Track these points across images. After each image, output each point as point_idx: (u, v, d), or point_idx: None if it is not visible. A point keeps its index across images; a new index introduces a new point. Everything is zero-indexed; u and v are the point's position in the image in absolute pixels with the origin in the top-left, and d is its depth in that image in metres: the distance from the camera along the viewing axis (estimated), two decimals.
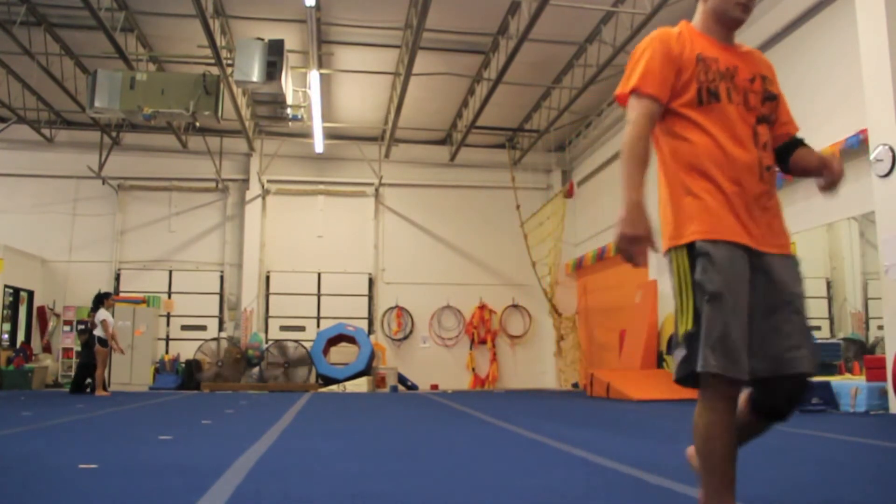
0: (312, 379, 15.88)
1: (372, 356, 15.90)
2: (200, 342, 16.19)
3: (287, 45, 11.71)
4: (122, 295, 16.36)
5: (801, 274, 2.21)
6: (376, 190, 17.92)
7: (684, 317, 2.09)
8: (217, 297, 17.30)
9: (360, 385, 15.06)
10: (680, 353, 2.12)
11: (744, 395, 2.22)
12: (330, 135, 16.84)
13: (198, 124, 13.03)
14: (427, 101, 15.27)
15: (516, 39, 11.41)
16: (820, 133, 9.07)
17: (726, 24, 2.26)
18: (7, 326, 15.75)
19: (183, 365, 15.81)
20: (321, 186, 17.93)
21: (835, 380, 8.30)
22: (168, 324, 17.14)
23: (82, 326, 14.01)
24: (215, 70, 12.09)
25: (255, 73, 11.17)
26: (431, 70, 13.44)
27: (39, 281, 16.51)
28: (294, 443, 5.16)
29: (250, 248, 17.30)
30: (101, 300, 12.33)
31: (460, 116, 16.30)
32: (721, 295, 2.02)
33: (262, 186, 17.54)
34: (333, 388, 15.00)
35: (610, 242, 15.24)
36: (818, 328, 11.04)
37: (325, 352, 15.92)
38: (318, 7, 10.73)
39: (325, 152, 16.91)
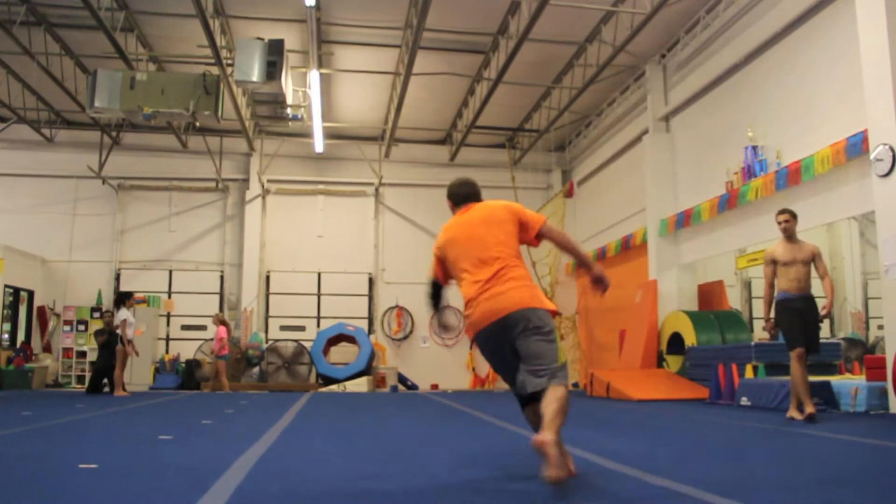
0: (312, 379, 15.89)
1: (372, 356, 15.91)
2: (200, 342, 16.21)
3: (287, 45, 11.71)
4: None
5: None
6: (376, 190, 17.93)
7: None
8: (217, 297, 17.31)
9: (361, 385, 15.06)
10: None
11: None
12: (330, 135, 16.85)
13: (198, 124, 13.02)
14: (427, 100, 15.27)
15: (516, 39, 11.41)
16: (820, 133, 9.08)
17: None
18: (7, 326, 15.75)
19: (183, 365, 15.81)
20: (321, 186, 17.93)
21: (835, 380, 8.29)
22: (168, 324, 17.15)
23: (99, 328, 13.86)
24: (215, 70, 12.09)
25: (255, 73, 11.16)
26: (431, 70, 13.44)
27: (39, 281, 16.51)
28: (294, 443, 5.16)
29: (250, 247, 17.30)
30: (122, 300, 12.07)
31: (460, 116, 16.30)
32: None
33: (262, 186, 17.54)
34: (333, 387, 15.00)
35: (610, 242, 15.25)
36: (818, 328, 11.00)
37: (325, 352, 15.92)
38: (318, 7, 10.73)
39: (325, 152, 16.91)
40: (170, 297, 17.17)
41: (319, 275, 17.53)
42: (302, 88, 13.89)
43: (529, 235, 3.53)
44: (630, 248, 14.26)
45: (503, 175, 17.52)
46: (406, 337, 17.63)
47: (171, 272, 17.23)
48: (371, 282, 17.74)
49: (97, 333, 13.47)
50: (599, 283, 3.55)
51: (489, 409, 8.68)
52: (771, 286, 6.74)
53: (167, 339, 17.07)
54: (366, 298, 17.71)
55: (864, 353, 11.91)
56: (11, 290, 15.60)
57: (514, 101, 15.34)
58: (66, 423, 6.62)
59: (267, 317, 17.39)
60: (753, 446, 4.99)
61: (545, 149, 17.74)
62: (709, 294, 12.65)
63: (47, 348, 16.40)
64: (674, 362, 11.98)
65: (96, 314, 16.08)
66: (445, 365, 17.45)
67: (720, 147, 11.41)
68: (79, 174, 16.71)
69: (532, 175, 17.94)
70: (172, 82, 11.83)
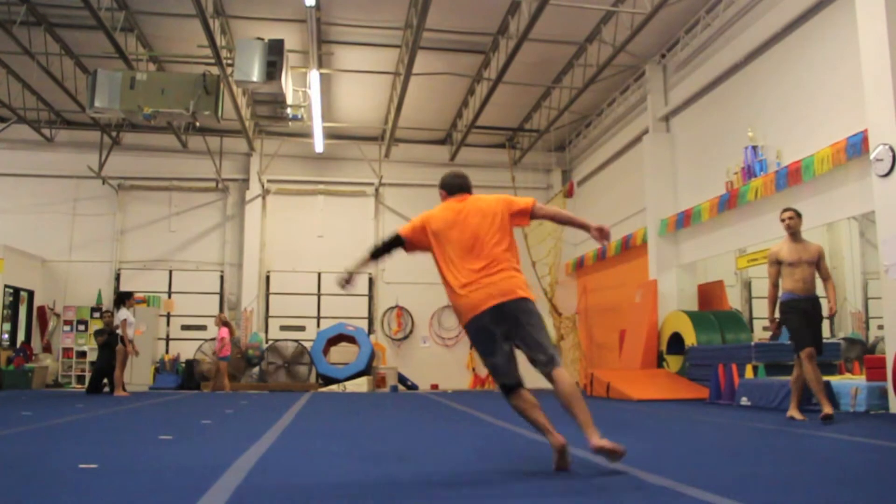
0: (312, 379, 15.89)
1: (372, 356, 15.90)
2: (200, 342, 16.21)
3: (287, 45, 11.71)
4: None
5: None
6: (376, 190, 17.93)
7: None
8: (217, 297, 17.31)
9: (360, 385, 15.06)
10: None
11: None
12: (330, 134, 16.85)
13: (198, 124, 13.01)
14: (427, 100, 15.27)
15: (516, 39, 11.41)
16: (820, 133, 9.08)
17: None
18: (7, 326, 15.75)
19: (183, 365, 15.81)
20: (321, 186, 17.93)
21: (835, 379, 8.29)
22: (168, 324, 17.15)
23: (99, 328, 13.85)
24: (215, 70, 12.09)
25: (255, 73, 11.16)
26: (431, 70, 13.44)
27: (39, 281, 16.51)
28: (294, 443, 5.16)
29: (250, 247, 17.30)
30: (122, 300, 12.06)
31: (460, 116, 16.30)
32: None
33: (262, 186, 17.54)
34: (333, 387, 15.00)
35: (610, 242, 15.22)
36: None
37: (326, 352, 15.92)
38: (318, 7, 10.73)
39: (325, 152, 16.91)
40: (170, 297, 17.17)
41: (319, 275, 17.52)
42: (302, 88, 13.89)
43: (525, 218, 3.80)
44: (630, 248, 14.26)
45: (503, 175, 17.52)
46: (406, 337, 17.63)
47: (171, 272, 17.23)
48: (371, 282, 17.74)
49: (97, 333, 13.44)
50: (602, 233, 3.75)
51: (489, 409, 8.68)
52: (775, 286, 6.69)
53: (167, 339, 17.08)
54: (366, 298, 17.72)
55: (864, 353, 11.89)
56: (11, 290, 15.60)
57: (514, 101, 15.34)
58: (66, 423, 6.62)
59: (267, 317, 17.39)
60: (753, 446, 4.99)
61: (545, 149, 17.74)
62: (709, 294, 12.66)
63: (47, 348, 16.40)
64: (674, 362, 11.98)
65: (96, 314, 16.08)
66: (445, 365, 17.46)
67: (720, 147, 11.41)
68: (79, 174, 16.71)
69: (532, 175, 17.94)
70: (172, 82, 11.83)
